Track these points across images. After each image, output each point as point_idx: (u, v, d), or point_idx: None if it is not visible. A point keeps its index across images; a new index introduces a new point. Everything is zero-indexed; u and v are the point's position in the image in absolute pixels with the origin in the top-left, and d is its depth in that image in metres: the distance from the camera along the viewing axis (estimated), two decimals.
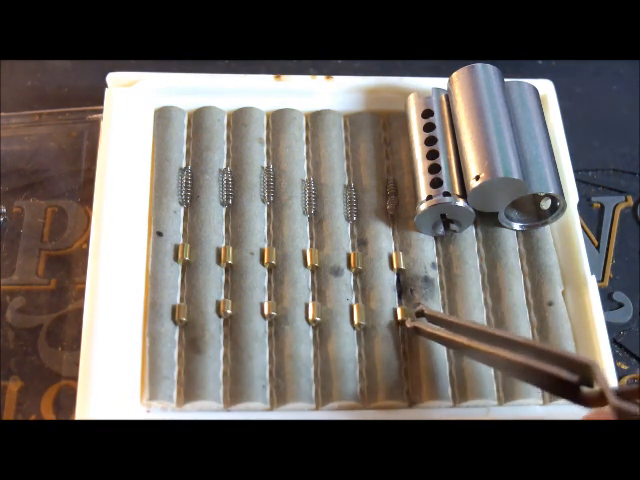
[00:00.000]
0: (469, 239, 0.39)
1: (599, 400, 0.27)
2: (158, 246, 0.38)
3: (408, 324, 0.36)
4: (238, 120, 0.42)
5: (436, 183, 0.38)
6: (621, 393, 0.26)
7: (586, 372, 0.28)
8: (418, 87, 0.42)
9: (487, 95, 0.39)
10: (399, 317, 0.37)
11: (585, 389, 0.28)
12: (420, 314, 0.36)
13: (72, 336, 0.38)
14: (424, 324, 0.35)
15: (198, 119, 0.42)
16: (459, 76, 0.40)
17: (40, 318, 0.38)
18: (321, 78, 0.43)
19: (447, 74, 0.41)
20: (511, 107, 0.39)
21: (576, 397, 0.28)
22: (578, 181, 0.41)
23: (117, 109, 0.40)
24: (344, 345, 0.36)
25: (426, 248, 0.39)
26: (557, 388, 0.28)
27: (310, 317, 0.37)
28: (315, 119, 0.42)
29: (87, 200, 0.41)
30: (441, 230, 0.39)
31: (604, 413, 0.27)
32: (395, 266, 0.38)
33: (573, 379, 0.27)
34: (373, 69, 0.47)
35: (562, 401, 0.35)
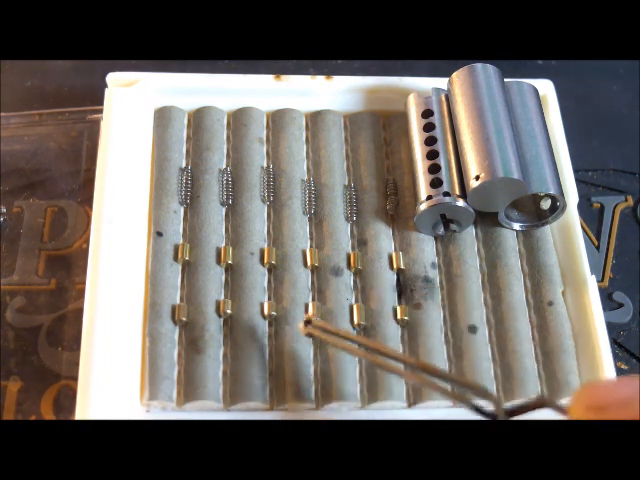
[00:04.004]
0: (469, 239, 0.39)
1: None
2: (158, 246, 0.38)
3: (302, 330, 0.34)
4: (238, 120, 0.42)
5: (436, 183, 0.38)
6: (513, 411, 0.30)
7: (485, 397, 0.30)
8: (418, 87, 0.42)
9: (487, 95, 0.39)
10: (399, 317, 0.37)
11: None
12: (308, 322, 0.34)
13: (72, 336, 0.38)
14: (318, 332, 0.34)
15: (198, 119, 0.42)
16: (459, 76, 0.40)
17: (40, 318, 0.38)
18: (321, 78, 0.43)
19: (447, 74, 0.41)
20: (511, 107, 0.39)
21: (480, 413, 0.30)
22: (578, 181, 0.41)
23: (117, 109, 0.40)
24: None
25: (426, 248, 0.39)
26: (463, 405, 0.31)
27: None
28: (315, 119, 0.42)
29: (87, 200, 0.41)
30: (441, 230, 0.39)
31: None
32: (395, 266, 0.38)
33: (473, 404, 0.30)
34: (373, 69, 0.47)
35: (562, 401, 0.35)
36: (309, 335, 0.34)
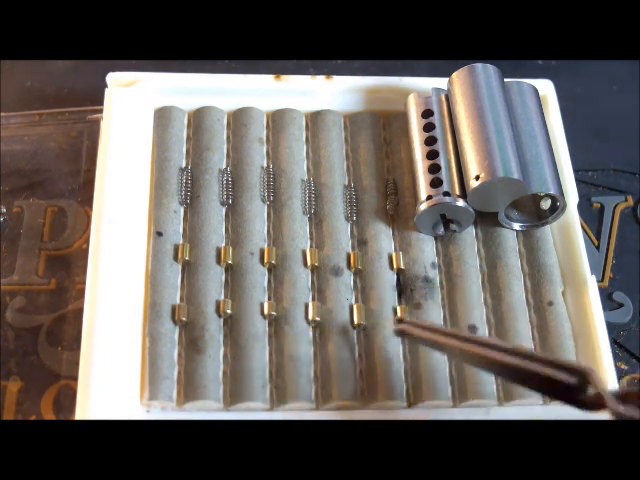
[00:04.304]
0: (469, 239, 0.39)
1: (597, 403, 0.27)
2: (158, 246, 0.38)
3: (394, 327, 0.34)
4: (238, 120, 0.42)
5: (436, 183, 0.38)
6: (620, 396, 0.27)
7: (582, 378, 0.27)
8: (418, 87, 0.42)
9: (487, 95, 0.39)
10: (399, 317, 0.37)
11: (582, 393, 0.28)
12: (400, 322, 0.34)
13: (72, 336, 0.38)
14: (411, 327, 0.33)
15: (198, 119, 0.42)
16: (459, 76, 0.40)
17: (40, 318, 0.38)
18: (321, 78, 0.43)
19: (447, 74, 0.41)
20: (511, 107, 0.39)
21: (574, 400, 0.27)
22: (578, 181, 0.41)
23: (117, 109, 0.40)
24: (344, 345, 0.36)
25: (426, 248, 0.39)
26: (554, 391, 0.28)
27: (310, 317, 0.37)
28: (315, 119, 0.42)
29: (87, 200, 0.41)
30: (441, 230, 0.39)
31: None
32: (395, 266, 0.38)
33: (571, 381, 0.27)
34: (373, 69, 0.47)
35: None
36: (402, 333, 0.33)
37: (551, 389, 0.28)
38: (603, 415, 0.27)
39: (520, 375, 0.29)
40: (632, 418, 0.26)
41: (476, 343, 0.30)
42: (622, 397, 0.26)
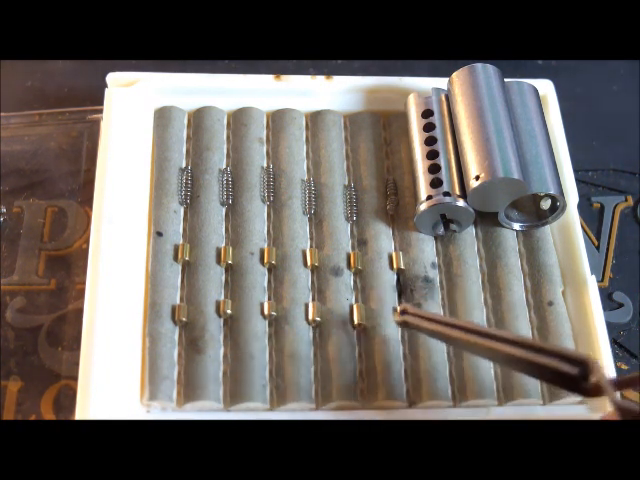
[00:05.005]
0: (469, 239, 0.39)
1: (598, 391, 0.27)
2: (158, 246, 0.38)
3: (397, 318, 0.33)
4: (238, 120, 0.42)
5: (436, 183, 0.38)
6: (618, 383, 0.27)
7: (584, 367, 0.28)
8: (418, 87, 0.42)
9: (487, 95, 0.39)
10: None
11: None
12: (404, 312, 0.33)
13: (72, 336, 0.38)
14: (414, 318, 0.33)
15: (198, 119, 0.42)
16: (459, 76, 0.40)
17: (40, 318, 0.38)
18: (321, 78, 0.43)
19: (447, 74, 0.41)
20: (511, 107, 0.39)
21: (576, 388, 0.28)
22: (578, 181, 0.41)
23: (117, 109, 0.40)
24: (344, 345, 0.36)
25: (426, 248, 0.39)
26: (557, 380, 0.29)
27: (310, 317, 0.37)
28: (315, 119, 0.42)
29: (87, 200, 0.41)
30: (441, 230, 0.39)
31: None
32: (395, 266, 0.38)
33: (573, 372, 0.28)
34: (373, 69, 0.47)
35: (562, 401, 0.35)
36: (404, 324, 0.33)
37: (554, 378, 0.29)
38: (603, 416, 0.27)
39: (523, 365, 0.29)
40: (630, 407, 0.26)
41: (479, 334, 0.30)
42: (620, 385, 0.27)
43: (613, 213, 0.43)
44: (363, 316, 0.37)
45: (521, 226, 0.39)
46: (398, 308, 0.33)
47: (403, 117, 0.42)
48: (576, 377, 0.28)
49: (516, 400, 0.35)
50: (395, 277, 0.38)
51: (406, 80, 0.43)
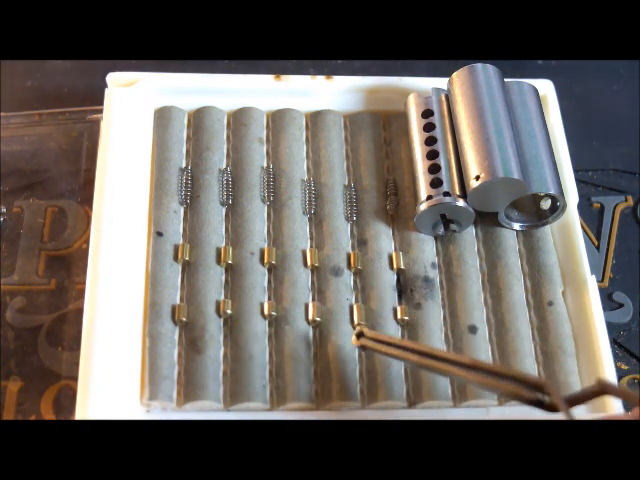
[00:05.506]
0: (469, 239, 0.39)
1: (555, 409, 0.29)
2: (158, 246, 0.38)
3: (354, 342, 0.34)
4: (238, 120, 0.42)
5: (436, 183, 0.38)
6: (572, 400, 0.29)
7: (540, 389, 0.29)
8: (418, 87, 0.42)
9: (487, 95, 0.39)
10: (399, 317, 0.37)
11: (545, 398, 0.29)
12: (360, 335, 0.34)
13: (72, 336, 0.38)
14: (372, 343, 0.33)
15: (198, 119, 0.42)
16: (459, 76, 0.40)
17: (40, 318, 0.38)
18: (321, 78, 0.43)
19: (447, 74, 0.41)
20: (511, 107, 0.39)
21: (535, 404, 0.29)
22: (578, 181, 0.41)
23: (117, 109, 0.40)
24: (344, 345, 0.36)
25: (426, 248, 0.39)
26: (517, 399, 0.30)
27: (310, 317, 0.37)
28: (315, 119, 0.42)
29: (87, 200, 0.41)
30: (441, 230, 0.39)
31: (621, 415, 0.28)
32: (395, 266, 0.38)
33: (531, 396, 0.29)
34: (373, 69, 0.47)
35: None
36: (362, 347, 0.34)
37: (514, 398, 0.30)
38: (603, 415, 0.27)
39: (483, 387, 0.31)
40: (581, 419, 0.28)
41: (436, 358, 0.32)
42: (574, 402, 0.29)
43: (613, 213, 0.43)
44: (363, 316, 0.37)
45: (521, 226, 0.39)
46: (355, 331, 0.34)
47: (403, 117, 0.42)
48: (534, 400, 0.29)
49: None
50: (395, 277, 0.38)
51: (406, 80, 0.43)
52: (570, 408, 0.28)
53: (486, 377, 0.30)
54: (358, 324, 0.35)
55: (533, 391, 0.29)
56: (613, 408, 0.35)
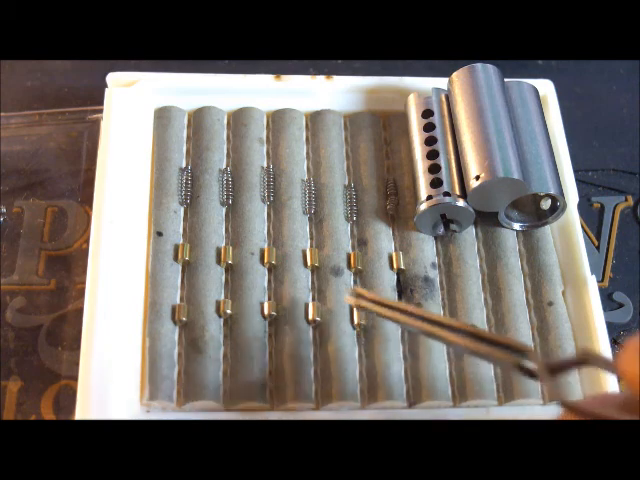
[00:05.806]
0: (469, 239, 0.39)
1: (536, 375, 0.29)
2: (158, 246, 0.38)
3: (350, 301, 0.34)
4: (238, 120, 0.42)
5: (436, 183, 0.38)
6: (554, 367, 0.29)
7: (523, 354, 0.30)
8: (418, 87, 0.42)
9: (487, 95, 0.39)
10: None
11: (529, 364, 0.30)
12: (359, 295, 0.34)
13: (72, 336, 0.38)
14: (369, 304, 0.33)
15: (198, 119, 0.42)
16: (459, 76, 0.40)
17: (40, 318, 0.38)
18: (321, 78, 0.43)
19: (447, 74, 0.41)
20: (511, 107, 0.39)
21: (518, 370, 0.30)
22: (578, 181, 0.41)
23: (117, 109, 0.40)
24: (344, 345, 0.36)
25: (426, 248, 0.39)
26: (500, 364, 0.31)
27: (310, 317, 0.37)
28: (315, 119, 0.42)
29: (87, 200, 0.41)
30: (441, 230, 0.39)
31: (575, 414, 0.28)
32: (395, 266, 0.38)
33: (514, 360, 0.30)
34: (373, 69, 0.47)
35: None
36: (358, 307, 0.34)
37: (497, 363, 0.31)
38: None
39: (468, 351, 0.31)
40: (582, 407, 0.27)
41: (426, 320, 0.32)
42: (555, 369, 0.29)
43: (613, 213, 0.43)
44: (363, 316, 0.37)
45: (521, 226, 0.39)
46: (352, 290, 0.34)
47: (403, 117, 0.42)
48: (518, 366, 0.29)
49: (516, 400, 0.35)
50: (395, 277, 0.38)
51: (406, 80, 0.43)
52: (553, 375, 0.29)
53: (479, 344, 0.31)
54: (359, 292, 0.34)
55: (520, 357, 0.30)
56: (608, 386, 0.35)
